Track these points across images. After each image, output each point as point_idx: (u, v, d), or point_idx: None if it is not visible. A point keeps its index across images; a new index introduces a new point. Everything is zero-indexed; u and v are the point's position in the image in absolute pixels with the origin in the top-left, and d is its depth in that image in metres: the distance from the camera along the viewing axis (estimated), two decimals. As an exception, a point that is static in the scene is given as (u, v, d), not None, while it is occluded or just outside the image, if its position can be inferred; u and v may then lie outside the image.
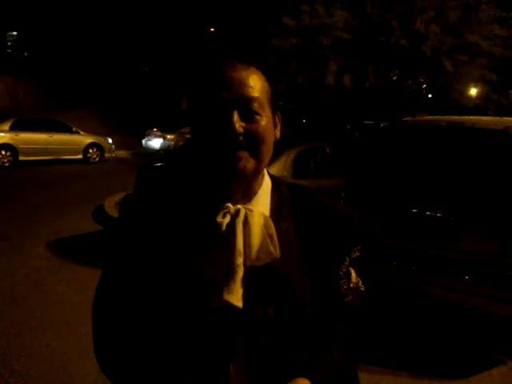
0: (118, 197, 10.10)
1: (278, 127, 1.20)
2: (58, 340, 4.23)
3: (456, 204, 4.35)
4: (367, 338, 1.32)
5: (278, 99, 1.19)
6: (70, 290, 5.35)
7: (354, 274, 1.25)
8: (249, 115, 1.09)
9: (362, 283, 1.27)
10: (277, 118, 1.20)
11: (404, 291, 4.64)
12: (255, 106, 1.09)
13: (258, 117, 1.10)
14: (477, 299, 4.11)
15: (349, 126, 24.28)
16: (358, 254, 1.25)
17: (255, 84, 1.10)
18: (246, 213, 1.11)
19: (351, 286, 1.24)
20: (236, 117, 1.07)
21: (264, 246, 1.10)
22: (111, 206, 9.39)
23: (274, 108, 1.17)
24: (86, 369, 3.58)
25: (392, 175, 4.90)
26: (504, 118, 5.06)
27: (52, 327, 4.50)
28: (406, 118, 5.51)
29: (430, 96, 21.35)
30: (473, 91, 17.85)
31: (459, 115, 6.81)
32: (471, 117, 5.35)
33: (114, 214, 8.72)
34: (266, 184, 1.22)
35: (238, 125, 1.06)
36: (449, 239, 4.30)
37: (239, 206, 1.12)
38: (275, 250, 1.11)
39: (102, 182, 13.34)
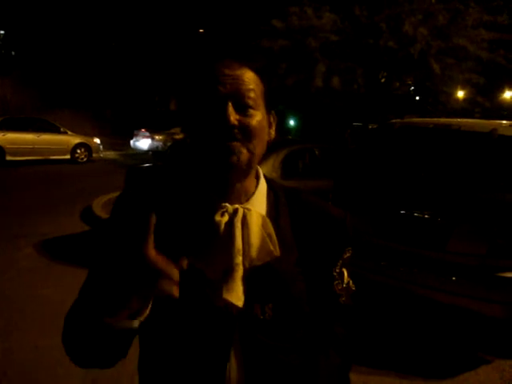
0: (106, 197, 10.08)
1: (273, 127, 1.20)
2: (46, 341, 4.20)
3: (443, 205, 4.39)
4: (357, 338, 1.35)
5: (272, 99, 1.19)
6: (58, 291, 5.32)
7: (346, 275, 1.27)
8: (243, 109, 1.09)
9: (353, 283, 1.29)
10: (271, 117, 1.20)
11: (392, 292, 4.68)
12: (249, 100, 1.09)
13: (252, 111, 1.09)
14: (464, 300, 4.14)
15: (337, 129, 24.36)
16: (349, 254, 1.27)
17: (249, 81, 1.11)
18: (244, 212, 1.12)
19: (344, 286, 1.26)
20: (231, 108, 1.06)
21: (264, 245, 1.11)
22: (99, 207, 9.37)
23: (269, 107, 1.17)
24: (75, 369, 3.58)
25: (380, 177, 4.93)
26: (490, 121, 5.12)
27: (40, 328, 4.47)
28: (394, 120, 5.54)
29: (417, 98, 21.50)
30: (460, 94, 18.00)
31: (447, 117, 6.87)
32: (458, 119, 5.40)
33: (102, 214, 8.71)
34: (262, 185, 1.22)
35: (233, 117, 1.06)
36: (436, 240, 4.33)
37: (237, 206, 1.12)
38: (275, 249, 1.11)
39: (89, 182, 13.27)
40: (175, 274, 0.95)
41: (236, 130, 1.07)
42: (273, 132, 1.20)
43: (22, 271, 6.02)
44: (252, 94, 1.10)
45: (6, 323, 4.57)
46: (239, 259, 1.08)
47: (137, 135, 22.32)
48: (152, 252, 0.95)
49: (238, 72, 1.10)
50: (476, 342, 4.54)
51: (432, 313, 4.78)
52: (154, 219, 0.97)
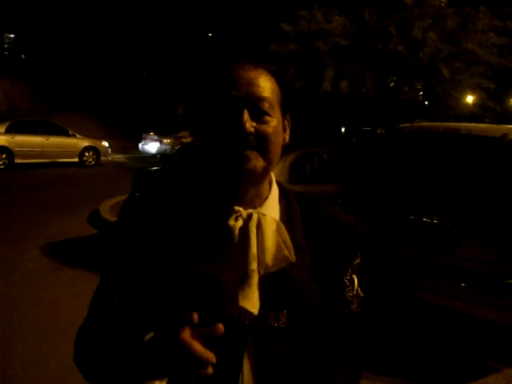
0: (114, 200, 10.10)
1: (288, 131, 1.18)
2: (51, 344, 4.20)
3: (453, 211, 4.35)
4: (368, 346, 1.32)
5: (287, 102, 1.16)
6: (63, 294, 5.32)
7: (356, 281, 1.25)
8: (259, 115, 1.06)
9: (361, 289, 1.27)
10: (286, 121, 1.17)
11: (400, 297, 4.63)
12: (265, 105, 1.07)
13: (268, 117, 1.07)
14: (472, 306, 4.10)
15: (343, 131, 24.31)
16: (358, 260, 1.25)
17: (265, 84, 1.08)
18: (258, 217, 1.09)
19: (354, 293, 1.25)
20: (246, 115, 1.04)
21: (279, 251, 1.08)
22: (107, 210, 9.38)
23: (284, 111, 1.15)
24: (78, 374, 3.56)
25: (389, 181, 4.90)
26: (501, 126, 5.07)
27: (45, 331, 4.47)
28: (403, 125, 5.51)
29: (426, 103, 21.43)
30: (469, 98, 17.91)
31: (456, 122, 6.83)
32: (468, 124, 5.35)
33: (110, 217, 8.71)
34: (274, 190, 1.20)
35: (249, 124, 1.03)
36: (445, 246, 4.29)
37: (251, 211, 1.10)
38: (290, 255, 1.08)
39: (97, 185, 13.32)
40: (211, 357, 0.89)
41: (251, 138, 1.04)
42: (287, 136, 1.18)
43: (28, 274, 6.02)
44: (268, 99, 1.08)
45: (10, 326, 4.56)
46: (254, 265, 1.06)
47: (145, 138, 22.40)
48: (190, 339, 0.89)
49: (253, 74, 1.08)
50: (485, 349, 4.49)
51: (440, 319, 4.73)
52: (195, 317, 0.90)
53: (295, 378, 1.12)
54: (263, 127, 1.06)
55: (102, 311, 1.12)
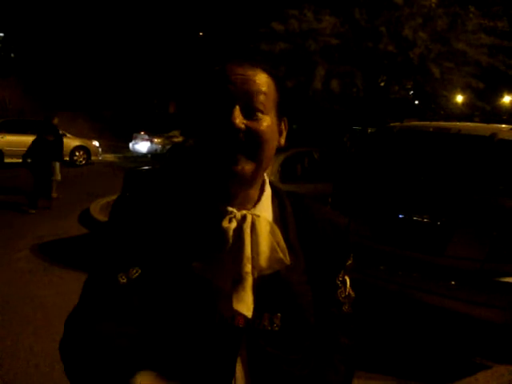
0: (105, 200, 10.07)
1: (284, 135, 1.15)
2: (42, 344, 4.18)
3: (443, 209, 4.37)
4: (360, 347, 1.32)
5: (285, 105, 1.13)
6: (54, 294, 5.30)
7: (348, 282, 1.24)
8: (251, 112, 1.04)
9: (353, 290, 1.26)
10: (283, 124, 1.15)
11: (390, 296, 4.65)
12: (258, 103, 1.04)
13: (260, 115, 1.05)
14: (462, 304, 4.13)
15: (334, 130, 24.28)
16: (350, 261, 1.25)
17: (261, 82, 1.06)
18: (252, 218, 1.07)
19: (346, 294, 1.24)
20: (237, 112, 1.02)
21: (273, 253, 1.07)
22: (97, 210, 9.35)
23: (281, 113, 1.12)
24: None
25: (379, 180, 4.92)
26: (490, 125, 5.11)
27: (36, 331, 4.45)
28: (393, 124, 5.53)
29: (416, 102, 21.50)
30: (459, 98, 17.99)
31: (446, 121, 6.86)
32: (458, 123, 5.38)
33: (100, 217, 8.68)
34: (267, 192, 1.18)
35: (239, 120, 1.01)
36: (435, 244, 4.31)
37: (245, 212, 1.08)
38: (285, 257, 1.07)
39: (88, 185, 13.26)
40: None
41: (241, 135, 1.02)
42: (283, 140, 1.15)
43: (19, 273, 6.00)
44: (262, 97, 1.05)
45: (0, 325, 4.53)
46: (249, 267, 1.04)
47: (136, 138, 22.35)
48: None
49: (251, 72, 1.06)
50: (475, 347, 4.52)
51: (431, 317, 4.76)
52: None
53: (289, 381, 1.11)
54: (254, 125, 1.04)
55: (91, 313, 1.09)
